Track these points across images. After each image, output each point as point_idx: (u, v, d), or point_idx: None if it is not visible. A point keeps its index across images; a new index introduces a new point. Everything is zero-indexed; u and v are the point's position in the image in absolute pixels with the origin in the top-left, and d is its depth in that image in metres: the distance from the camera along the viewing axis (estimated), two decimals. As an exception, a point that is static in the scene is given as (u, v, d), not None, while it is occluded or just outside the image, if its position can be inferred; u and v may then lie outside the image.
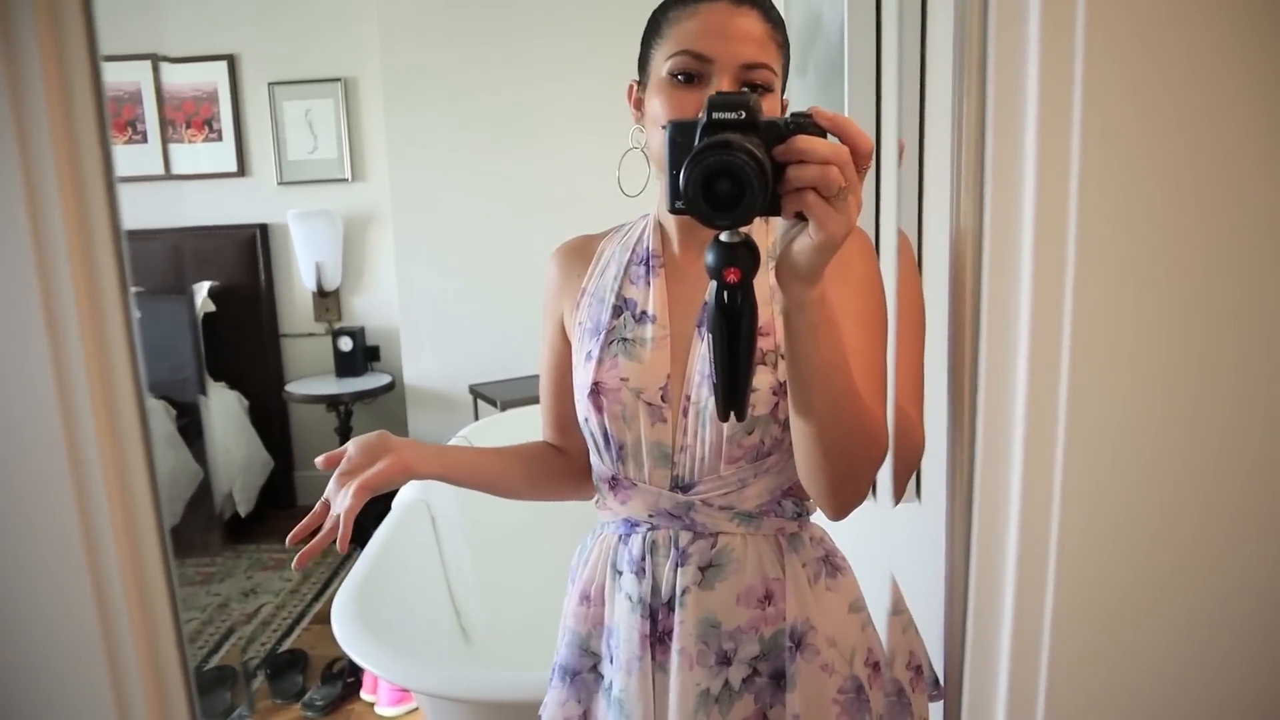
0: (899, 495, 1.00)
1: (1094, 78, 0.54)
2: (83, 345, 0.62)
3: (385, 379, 4.08)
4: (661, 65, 0.98)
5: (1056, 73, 0.54)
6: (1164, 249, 0.56)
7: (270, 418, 4.21)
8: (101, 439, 0.64)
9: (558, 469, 1.23)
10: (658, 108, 0.98)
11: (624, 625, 1.09)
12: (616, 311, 1.09)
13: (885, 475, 1.19)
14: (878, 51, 1.33)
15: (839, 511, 0.99)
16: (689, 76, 0.96)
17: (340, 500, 1.02)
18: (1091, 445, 0.57)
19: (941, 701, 1.12)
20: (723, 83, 0.95)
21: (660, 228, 1.12)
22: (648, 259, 1.10)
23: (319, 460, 1.07)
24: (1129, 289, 0.56)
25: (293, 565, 1.04)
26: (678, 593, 1.06)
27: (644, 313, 1.08)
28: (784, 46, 1.00)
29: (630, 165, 1.08)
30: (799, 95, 1.82)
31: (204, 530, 3.60)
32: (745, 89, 0.95)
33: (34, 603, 0.66)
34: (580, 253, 1.17)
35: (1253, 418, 0.57)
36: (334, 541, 1.01)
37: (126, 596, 0.66)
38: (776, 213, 0.75)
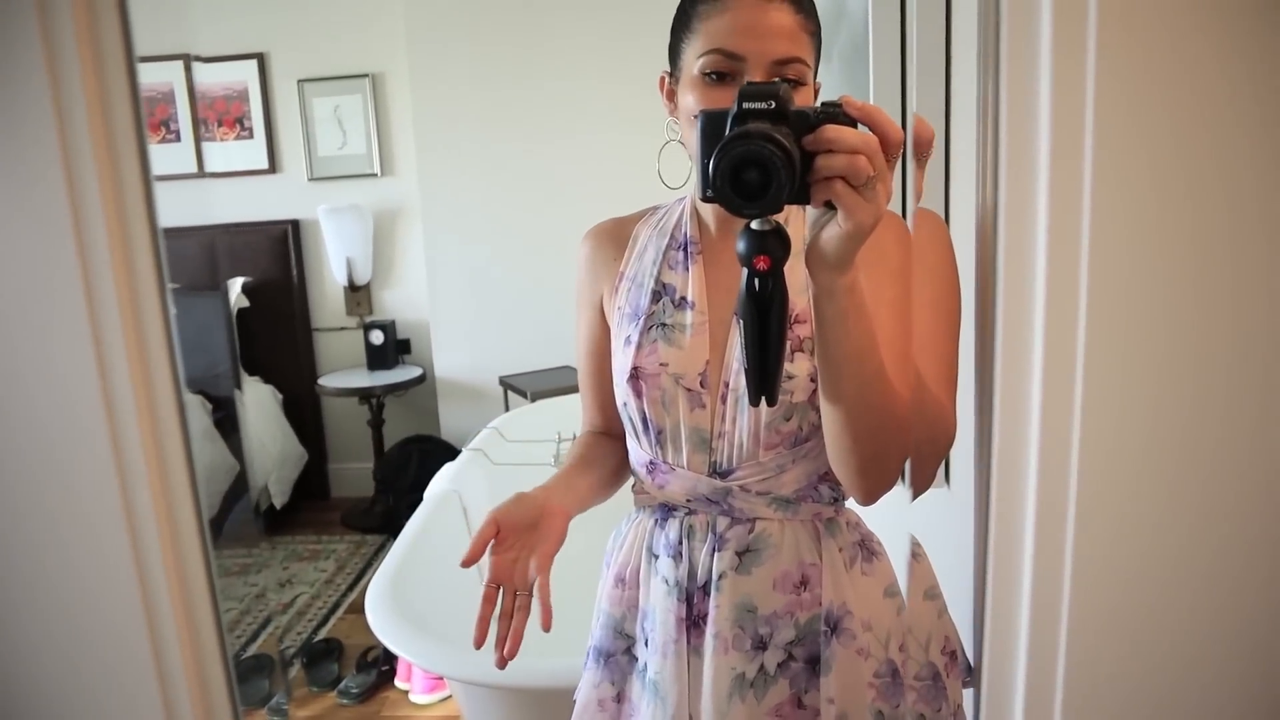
0: (926, 484, 0.99)
1: (1107, 61, 0.54)
2: (124, 341, 0.64)
3: (416, 371, 4.12)
4: (693, 62, 0.98)
5: (1069, 58, 0.54)
6: (1181, 236, 0.56)
7: (303, 411, 4.27)
8: (143, 433, 0.65)
9: (614, 460, 1.22)
10: (691, 104, 0.98)
11: (660, 608, 1.10)
12: (655, 297, 1.09)
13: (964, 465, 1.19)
14: (903, 36, 1.32)
15: (868, 497, 0.99)
16: (721, 75, 0.96)
17: (528, 580, 1.01)
18: (1108, 433, 0.57)
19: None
20: (755, 79, 0.94)
21: (697, 214, 1.12)
22: (685, 245, 1.11)
23: (467, 560, 1.00)
24: (1146, 274, 0.56)
25: (501, 660, 1.00)
26: (714, 577, 1.07)
27: (683, 298, 1.08)
28: (815, 34, 1.00)
29: (669, 157, 1.09)
30: (824, 82, 1.82)
31: (241, 522, 3.66)
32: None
33: (79, 593, 0.68)
34: (614, 235, 1.17)
35: (1275, 402, 0.57)
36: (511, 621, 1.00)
37: (169, 586, 0.67)
38: (806, 201, 0.75)
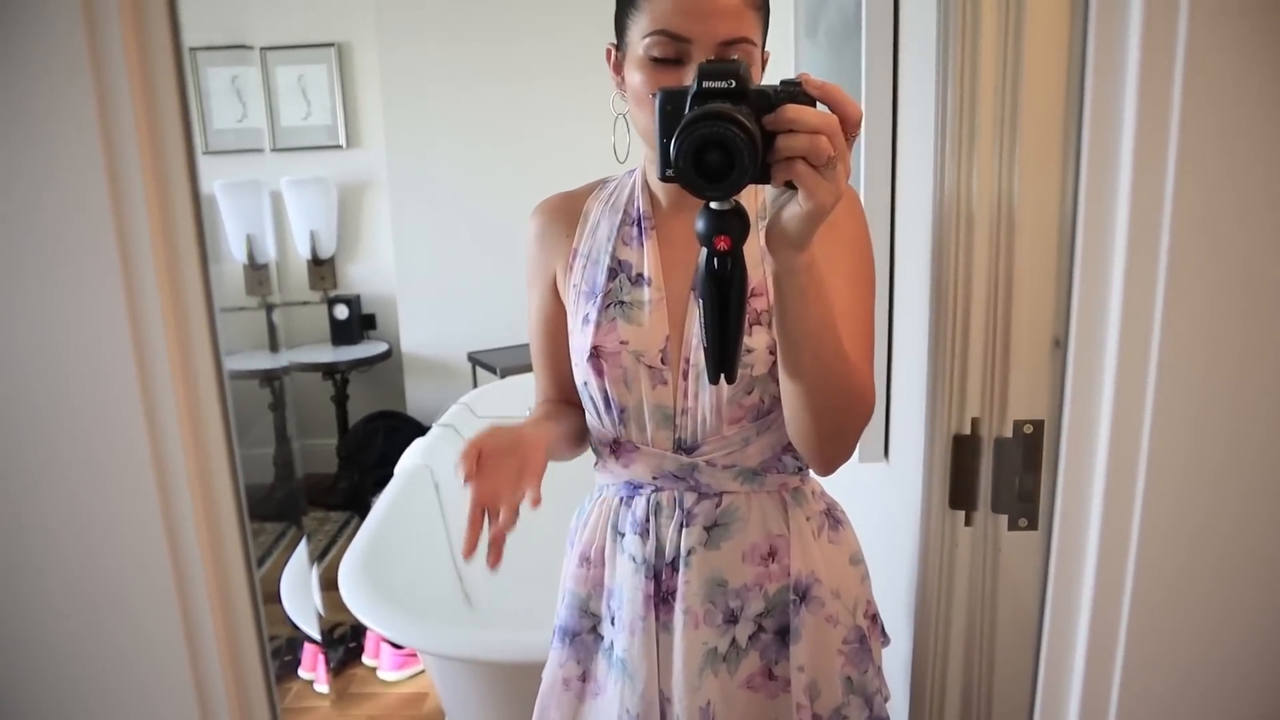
0: (847, 455, 1.00)
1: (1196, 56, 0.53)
2: (160, 311, 0.62)
3: (382, 347, 4.07)
4: (638, 42, 0.96)
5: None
6: (1257, 251, 0.55)
7: (267, 385, 4.20)
8: (179, 406, 0.64)
9: (578, 421, 1.21)
10: (638, 84, 0.96)
11: (627, 586, 1.10)
12: (612, 274, 1.08)
13: (909, 436, 1.20)
14: (895, 10, 1.32)
15: (826, 467, 1.01)
16: (666, 60, 0.94)
17: (513, 501, 0.95)
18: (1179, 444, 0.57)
19: (887, 647, 1.16)
20: (701, 59, 0.93)
21: (648, 189, 1.10)
22: (639, 220, 1.09)
23: (460, 469, 0.97)
24: (1225, 279, 0.55)
25: (491, 565, 0.97)
26: (683, 553, 1.07)
27: (639, 275, 1.07)
28: (762, 8, 0.98)
29: (621, 130, 1.07)
30: (809, 58, 1.81)
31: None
32: None
33: (116, 568, 0.67)
34: (564, 211, 1.15)
35: None
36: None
37: (204, 559, 0.66)
38: (766, 181, 0.75)
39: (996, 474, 0.92)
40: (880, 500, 1.44)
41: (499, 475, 0.95)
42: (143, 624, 0.66)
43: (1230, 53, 0.53)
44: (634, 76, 0.97)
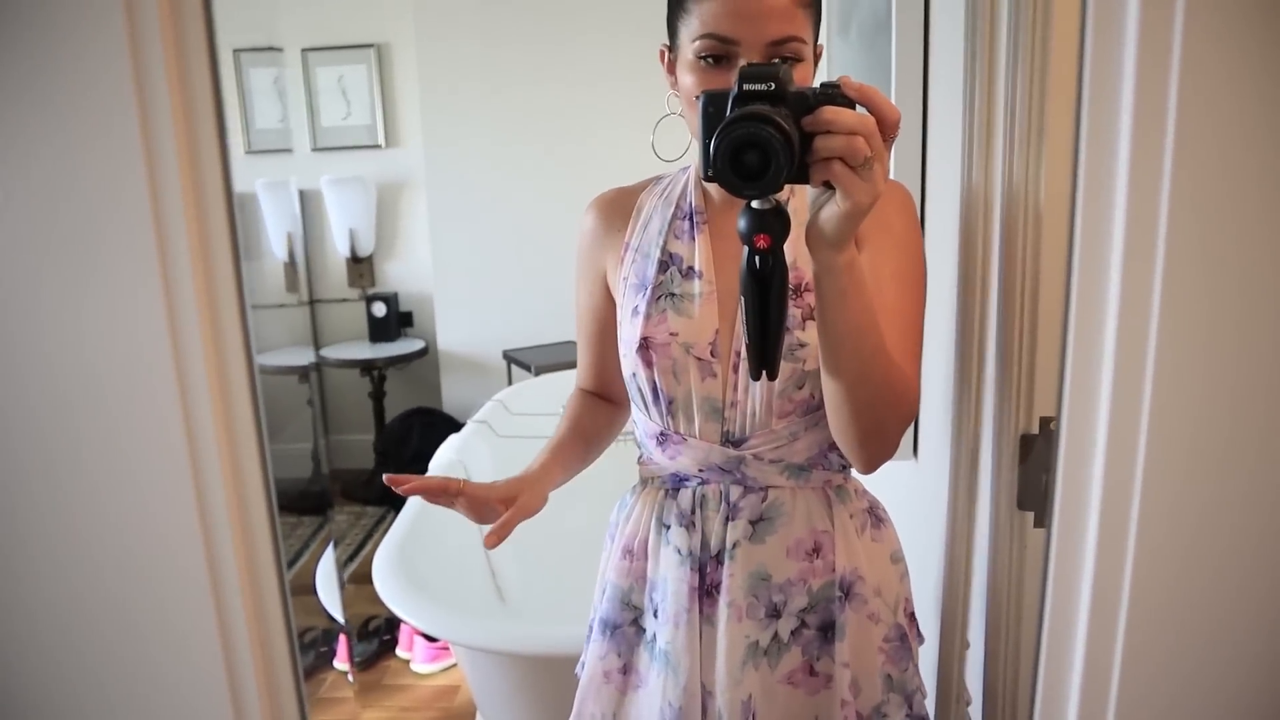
0: (888, 455, 1.01)
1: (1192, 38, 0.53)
2: (196, 306, 0.64)
3: (419, 344, 4.11)
4: (689, 45, 0.98)
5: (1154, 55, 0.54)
6: (1255, 238, 0.55)
7: (305, 382, 4.26)
8: (214, 402, 0.66)
9: (604, 420, 1.25)
10: (690, 86, 0.98)
11: (672, 578, 1.10)
12: (663, 266, 1.09)
13: (937, 436, 1.20)
14: (926, 9, 1.32)
15: (868, 466, 1.01)
16: (717, 58, 0.96)
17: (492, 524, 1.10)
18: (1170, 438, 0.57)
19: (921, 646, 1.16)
20: (751, 60, 0.95)
21: (701, 184, 1.12)
22: (691, 214, 1.11)
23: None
24: (1216, 284, 0.55)
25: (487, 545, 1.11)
26: (727, 546, 1.08)
27: (690, 268, 1.09)
28: (812, 5, 0.99)
29: (664, 131, 1.09)
30: (840, 57, 1.81)
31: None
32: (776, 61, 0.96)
33: (148, 544, 0.69)
34: (618, 205, 1.17)
35: None
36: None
37: (236, 551, 0.68)
38: (805, 181, 0.77)
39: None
40: (907, 499, 1.43)
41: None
42: (174, 613, 0.68)
43: (1227, 45, 0.54)
44: (685, 78, 1.00)
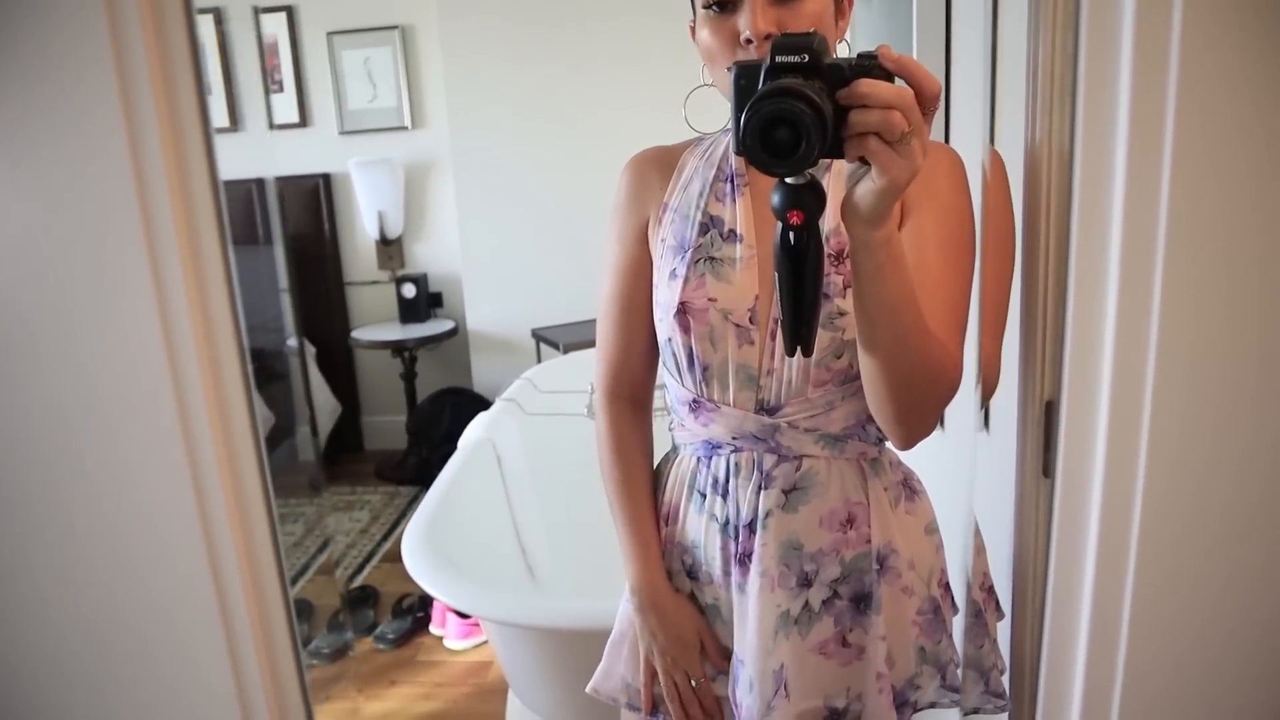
0: (927, 430, 0.98)
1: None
2: (185, 291, 0.64)
3: (448, 325, 4.13)
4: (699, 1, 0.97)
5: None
6: (1259, 210, 0.53)
7: (337, 364, 4.31)
8: (205, 381, 0.66)
9: (649, 447, 1.21)
10: (704, 39, 0.98)
11: (708, 544, 1.10)
12: (703, 229, 1.07)
13: (962, 407, 1.18)
14: (948, -29, 1.29)
15: (905, 442, 0.99)
16: (721, 5, 0.95)
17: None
18: (1178, 400, 0.55)
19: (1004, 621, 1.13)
20: (755, 4, 0.94)
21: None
22: (732, 177, 1.09)
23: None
24: (1224, 243, 0.54)
25: None
26: (760, 515, 1.07)
27: (731, 231, 1.06)
28: None
29: (694, 102, 1.07)
30: (863, 24, 1.78)
31: (276, 473, 3.70)
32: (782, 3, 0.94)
33: (147, 537, 0.69)
34: (659, 164, 1.14)
35: None
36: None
37: (233, 535, 0.68)
38: (840, 156, 0.74)
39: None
40: (935, 470, 1.41)
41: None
42: (174, 604, 0.69)
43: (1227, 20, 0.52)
44: (701, 34, 0.99)
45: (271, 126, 4.10)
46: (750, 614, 1.07)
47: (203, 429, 0.65)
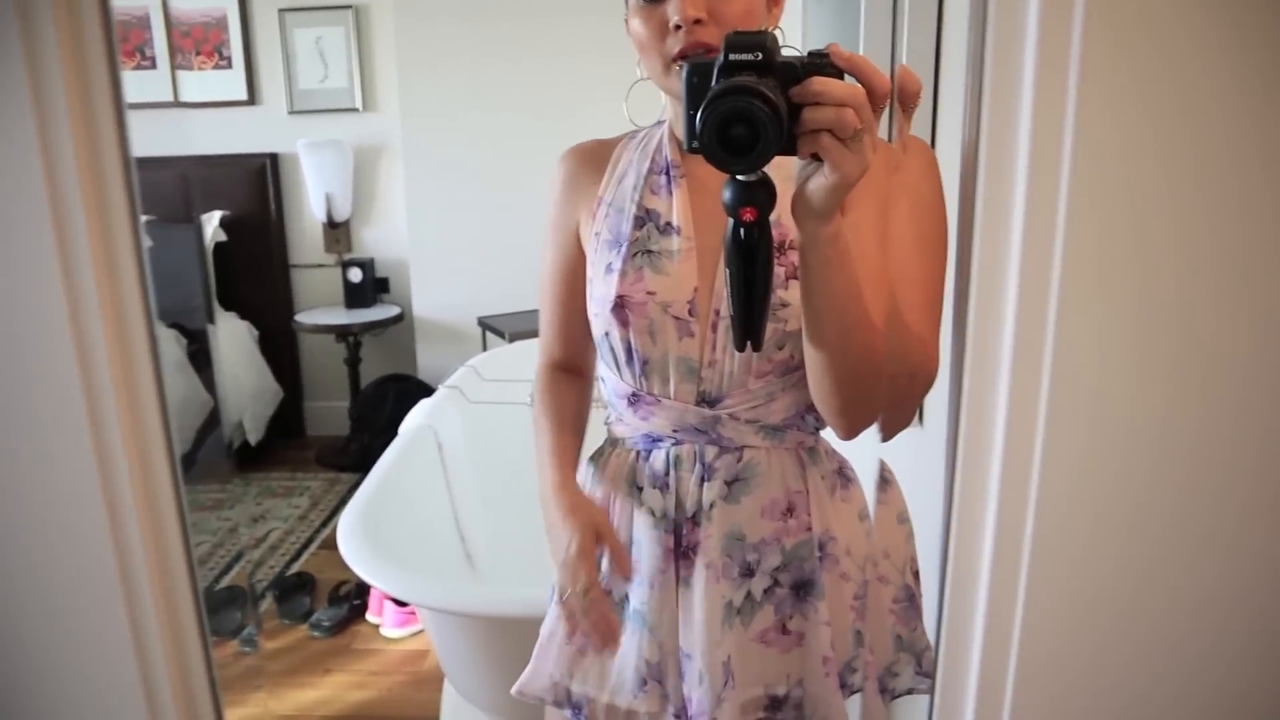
0: (904, 423, 1.00)
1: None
2: (94, 272, 0.62)
3: (394, 310, 4.09)
4: None
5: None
6: (1164, 195, 0.55)
7: (280, 348, 4.24)
8: (114, 364, 0.64)
9: (584, 403, 1.22)
10: (635, 29, 0.98)
11: (646, 540, 1.09)
12: (639, 223, 1.07)
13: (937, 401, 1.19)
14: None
15: (848, 433, 1.00)
16: None
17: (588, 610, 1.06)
18: (1077, 388, 0.57)
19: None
20: None
21: (675, 138, 1.10)
22: (667, 169, 1.08)
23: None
24: (1125, 230, 0.55)
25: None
26: (704, 506, 1.07)
27: (668, 224, 1.06)
28: None
29: (636, 95, 1.08)
30: (816, 23, 1.80)
31: (214, 457, 3.64)
32: None
33: (48, 524, 0.67)
34: (594, 158, 1.14)
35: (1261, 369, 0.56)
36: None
37: (139, 518, 0.67)
38: (792, 153, 0.75)
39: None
40: (912, 466, 1.43)
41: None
42: (78, 589, 0.67)
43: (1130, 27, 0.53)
44: (632, 23, 0.99)
45: (291, 111, 4.02)
46: (696, 607, 1.07)
47: (109, 405, 0.63)
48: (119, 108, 0.61)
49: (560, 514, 1.08)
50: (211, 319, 3.83)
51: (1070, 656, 0.62)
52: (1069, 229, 0.54)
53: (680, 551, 1.08)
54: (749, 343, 0.83)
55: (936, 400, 1.36)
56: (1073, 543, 0.60)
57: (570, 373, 1.21)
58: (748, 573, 1.07)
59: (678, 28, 0.94)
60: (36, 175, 0.60)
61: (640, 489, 1.11)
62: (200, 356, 3.58)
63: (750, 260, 0.78)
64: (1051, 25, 0.52)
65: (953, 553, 0.60)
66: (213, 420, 3.47)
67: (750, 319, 0.81)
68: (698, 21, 0.93)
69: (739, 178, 0.75)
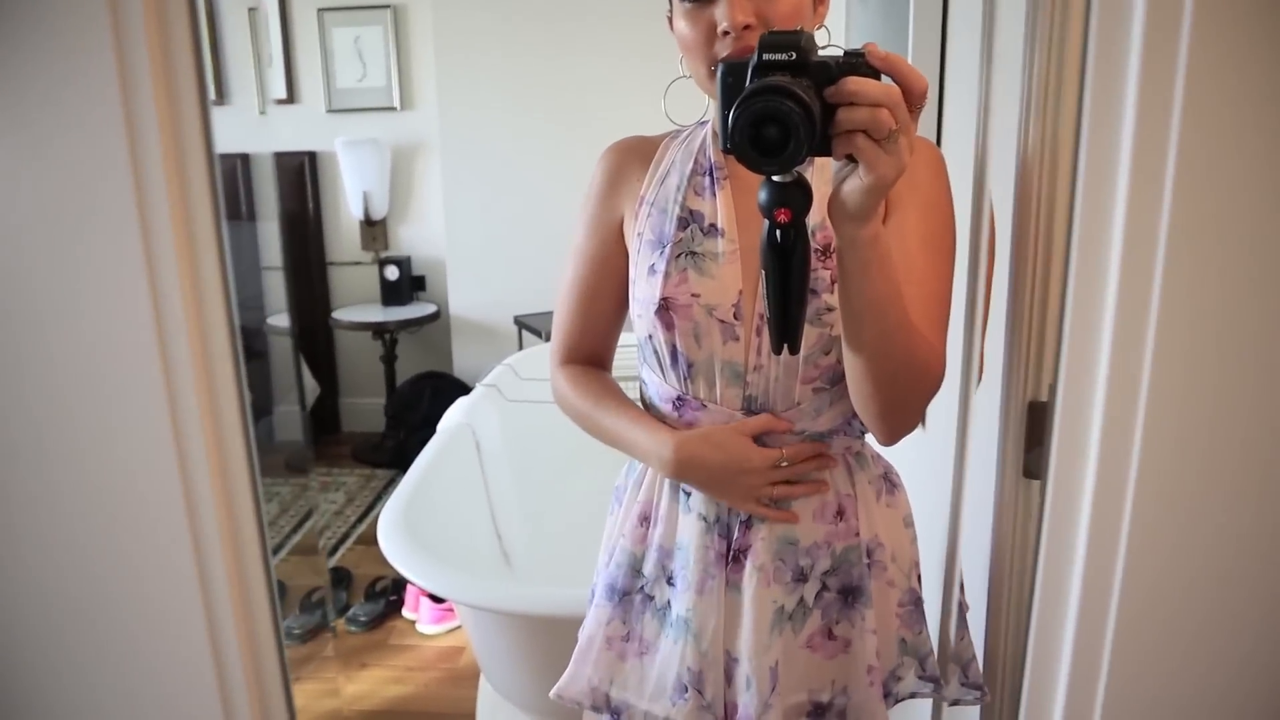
0: (911, 426, 0.98)
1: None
2: (177, 266, 0.63)
3: (430, 308, 4.12)
4: None
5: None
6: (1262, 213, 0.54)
7: (316, 345, 4.28)
8: (195, 364, 0.65)
9: (616, 387, 1.18)
10: (681, 31, 0.98)
11: (695, 545, 1.08)
12: (683, 224, 1.06)
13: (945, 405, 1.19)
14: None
15: (889, 437, 0.99)
16: None
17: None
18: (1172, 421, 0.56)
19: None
20: None
21: (719, 139, 1.09)
22: (711, 170, 1.07)
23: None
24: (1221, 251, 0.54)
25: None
26: None
27: (712, 225, 1.05)
28: None
29: (675, 93, 1.07)
30: (860, 23, 1.78)
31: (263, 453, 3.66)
32: None
33: (131, 515, 0.68)
34: (637, 154, 1.13)
35: None
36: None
37: (215, 505, 0.68)
38: (827, 154, 0.75)
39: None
40: (914, 468, 1.42)
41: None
42: (156, 582, 0.68)
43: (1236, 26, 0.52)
44: (678, 25, 0.98)
45: (264, 106, 4.05)
46: (745, 611, 1.06)
47: (190, 405, 0.64)
48: (204, 105, 0.62)
49: (704, 433, 1.05)
50: (266, 316, 3.87)
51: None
52: (1168, 264, 0.53)
53: (730, 555, 1.07)
54: (786, 345, 0.82)
55: (939, 404, 1.35)
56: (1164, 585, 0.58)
57: (593, 366, 1.19)
58: (801, 578, 1.06)
59: (725, 33, 0.93)
60: (125, 173, 0.61)
61: (688, 494, 1.10)
62: (248, 353, 3.60)
63: (785, 262, 0.77)
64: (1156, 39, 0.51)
65: (1038, 598, 0.58)
66: (254, 414, 3.50)
67: (786, 321, 0.80)
68: (746, 27, 0.93)
69: (773, 179, 0.75)
